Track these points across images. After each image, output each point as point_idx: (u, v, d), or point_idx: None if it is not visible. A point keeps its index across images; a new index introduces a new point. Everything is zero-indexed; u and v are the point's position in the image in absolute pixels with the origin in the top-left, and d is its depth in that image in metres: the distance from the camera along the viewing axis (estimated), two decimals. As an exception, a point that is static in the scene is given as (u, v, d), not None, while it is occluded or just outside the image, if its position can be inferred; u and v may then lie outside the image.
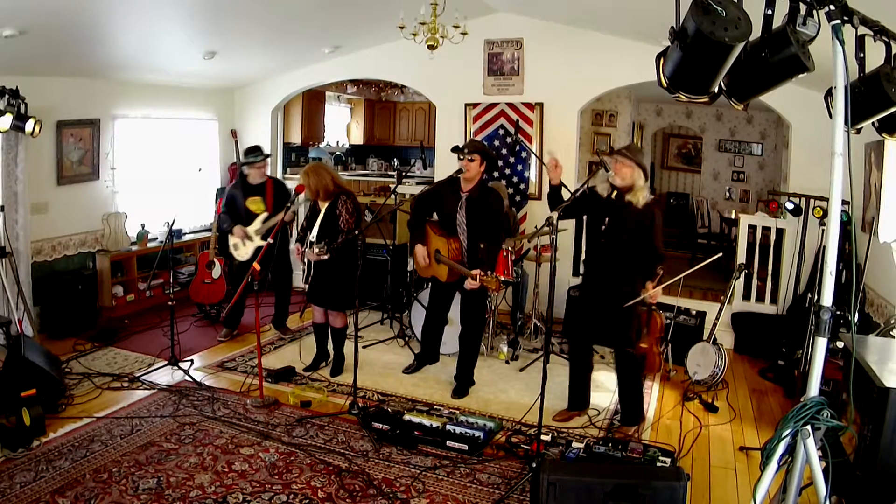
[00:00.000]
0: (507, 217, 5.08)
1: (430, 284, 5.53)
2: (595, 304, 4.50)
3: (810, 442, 2.23)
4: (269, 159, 6.16)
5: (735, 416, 4.87)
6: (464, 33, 5.59)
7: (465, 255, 4.93)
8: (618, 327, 4.41)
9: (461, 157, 4.86)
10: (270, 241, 4.85)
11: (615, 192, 4.38)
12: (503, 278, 5.13)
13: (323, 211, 5.10)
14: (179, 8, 5.29)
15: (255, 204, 5.97)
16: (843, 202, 3.48)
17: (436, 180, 6.70)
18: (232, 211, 6.06)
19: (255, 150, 6.04)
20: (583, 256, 4.77)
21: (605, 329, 4.47)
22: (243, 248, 5.96)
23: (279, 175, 9.00)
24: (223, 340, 6.18)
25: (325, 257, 4.82)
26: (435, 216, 5.18)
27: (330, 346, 5.51)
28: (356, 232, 4.80)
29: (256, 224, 5.93)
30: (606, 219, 4.37)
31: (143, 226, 7.26)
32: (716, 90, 2.40)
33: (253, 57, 7.43)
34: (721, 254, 4.66)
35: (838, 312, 2.27)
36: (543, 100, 7.19)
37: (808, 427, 2.23)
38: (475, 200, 4.90)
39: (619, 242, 4.35)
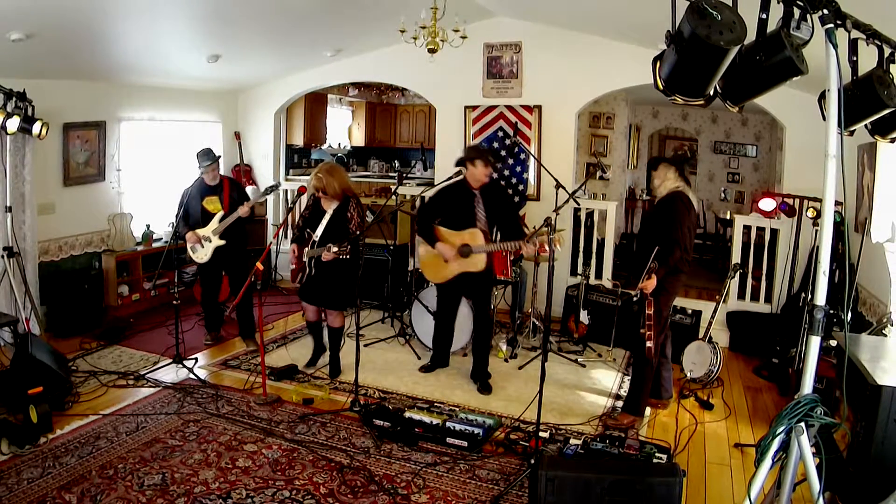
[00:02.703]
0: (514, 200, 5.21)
1: (433, 288, 5.62)
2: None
3: (804, 439, 2.25)
4: (219, 160, 5.95)
5: (730, 414, 4.91)
6: (463, 37, 5.64)
7: (493, 239, 5.08)
8: (634, 320, 4.50)
9: (487, 165, 5.00)
10: (273, 241, 4.89)
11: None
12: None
13: (330, 212, 5.07)
14: (184, 12, 5.34)
15: (211, 204, 5.83)
16: (837, 203, 3.54)
17: (436, 181, 6.75)
18: (189, 212, 5.86)
19: (207, 155, 5.85)
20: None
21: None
22: (202, 249, 5.81)
23: (282, 177, 9.06)
24: (209, 343, 6.10)
25: (345, 257, 4.74)
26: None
27: (326, 342, 5.52)
28: (357, 233, 4.86)
29: (214, 224, 5.76)
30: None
31: (148, 226, 7.34)
32: (711, 93, 2.40)
33: (256, 60, 7.49)
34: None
35: (831, 311, 2.29)
36: (542, 102, 7.25)
37: (802, 424, 2.25)
38: (488, 192, 5.07)
39: (643, 239, 4.45)
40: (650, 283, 4.26)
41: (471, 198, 5.05)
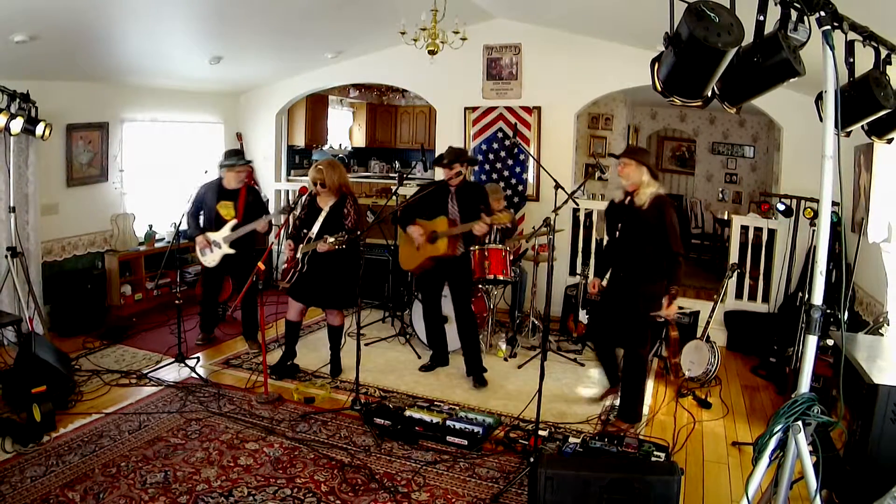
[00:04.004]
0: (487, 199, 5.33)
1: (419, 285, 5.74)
2: (613, 306, 4.62)
3: (801, 437, 2.26)
4: (249, 166, 5.89)
5: (728, 412, 4.93)
6: (463, 39, 5.67)
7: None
8: (629, 328, 4.51)
9: (444, 168, 5.21)
10: (275, 241, 4.89)
11: (628, 197, 4.49)
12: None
13: (326, 209, 5.09)
14: (186, 14, 5.37)
15: (225, 209, 5.71)
16: (833, 203, 3.56)
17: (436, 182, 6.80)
18: (200, 211, 5.82)
19: (236, 154, 5.83)
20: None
21: (619, 330, 4.58)
22: (210, 254, 5.74)
23: (283, 177, 9.09)
24: (200, 344, 6.09)
25: (340, 247, 4.74)
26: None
27: (291, 343, 5.46)
28: (358, 232, 4.88)
29: (225, 231, 5.67)
30: (620, 224, 4.47)
31: (150, 226, 7.37)
32: (709, 94, 2.41)
33: (258, 62, 7.53)
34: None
35: (828, 311, 2.30)
36: (541, 103, 7.29)
37: (799, 423, 2.26)
38: (462, 190, 5.23)
39: (631, 245, 4.43)
40: (673, 309, 4.36)
41: (446, 194, 5.25)
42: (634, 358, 4.54)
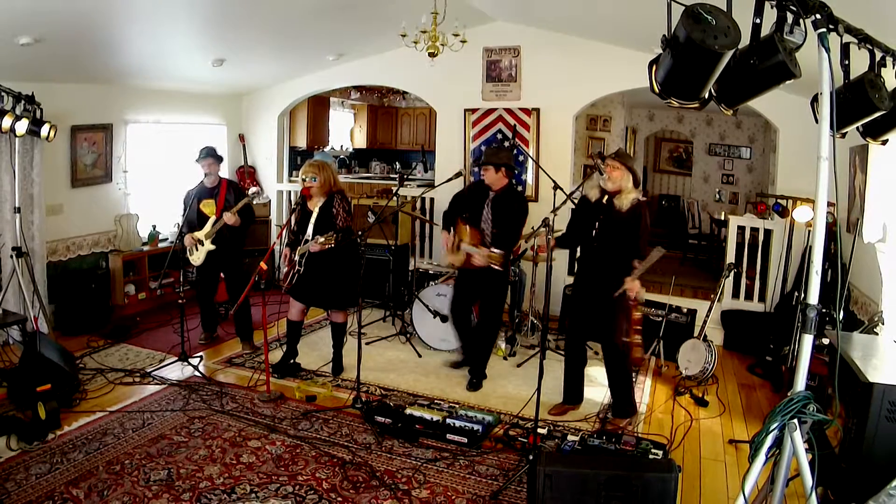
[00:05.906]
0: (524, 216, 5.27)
1: (433, 287, 5.83)
2: (587, 301, 4.66)
3: (797, 435, 2.27)
4: (219, 160, 5.90)
5: (724, 410, 4.97)
6: (463, 41, 5.69)
7: (486, 244, 5.14)
8: (606, 322, 4.54)
9: (481, 168, 5.26)
10: (277, 241, 4.90)
11: (605, 197, 4.53)
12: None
13: (316, 211, 5.13)
14: (189, 16, 5.40)
15: (207, 207, 5.79)
16: (829, 204, 3.60)
17: (436, 183, 6.85)
18: (188, 214, 5.85)
19: (202, 150, 5.82)
20: (577, 256, 4.90)
21: (596, 325, 4.61)
22: (196, 253, 5.79)
23: (285, 178, 9.12)
24: (203, 343, 6.14)
25: (331, 245, 4.75)
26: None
27: (293, 342, 5.49)
28: (359, 232, 4.91)
29: (207, 227, 5.73)
30: (597, 222, 4.51)
31: (154, 227, 7.40)
32: (706, 96, 2.42)
33: (260, 64, 7.56)
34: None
35: (824, 310, 2.32)
36: (540, 105, 7.33)
37: (795, 420, 2.27)
38: (501, 198, 5.18)
39: (608, 244, 4.47)
40: (637, 285, 4.34)
41: (484, 198, 5.22)
42: (615, 352, 4.59)
